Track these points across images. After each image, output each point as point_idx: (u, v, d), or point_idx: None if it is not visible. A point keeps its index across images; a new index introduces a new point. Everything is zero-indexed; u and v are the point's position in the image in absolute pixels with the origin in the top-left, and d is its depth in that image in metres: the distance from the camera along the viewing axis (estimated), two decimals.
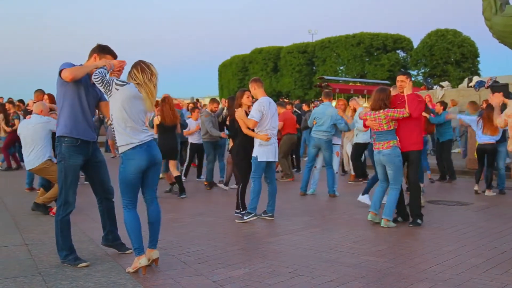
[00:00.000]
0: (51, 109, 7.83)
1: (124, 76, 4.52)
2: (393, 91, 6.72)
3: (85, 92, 4.57)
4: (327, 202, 8.28)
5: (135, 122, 4.28)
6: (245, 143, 6.84)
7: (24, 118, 9.17)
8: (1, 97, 18.43)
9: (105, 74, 4.30)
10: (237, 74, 45.49)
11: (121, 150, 4.30)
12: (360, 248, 5.21)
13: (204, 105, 17.59)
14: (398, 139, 6.27)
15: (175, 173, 8.64)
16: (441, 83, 19.08)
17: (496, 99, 5.67)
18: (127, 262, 4.57)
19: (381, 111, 6.28)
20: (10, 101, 14.39)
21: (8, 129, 12.18)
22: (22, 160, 10.99)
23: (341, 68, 38.94)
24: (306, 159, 9.42)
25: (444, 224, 6.40)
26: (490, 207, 7.68)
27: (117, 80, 4.30)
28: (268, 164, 6.71)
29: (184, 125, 9.25)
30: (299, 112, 13.99)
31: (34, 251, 5.02)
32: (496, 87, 6.70)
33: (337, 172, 8.92)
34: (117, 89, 4.23)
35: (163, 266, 4.50)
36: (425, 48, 34.73)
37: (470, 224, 6.40)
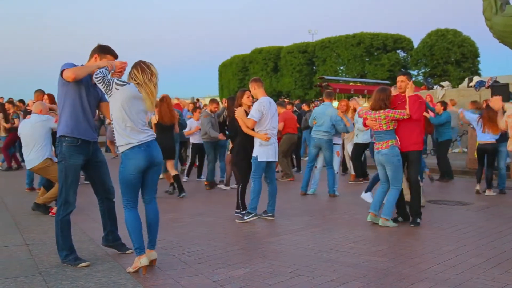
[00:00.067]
0: (51, 109, 7.85)
1: (124, 76, 4.54)
2: (394, 91, 6.72)
3: (86, 92, 4.58)
4: (328, 202, 8.28)
5: (134, 122, 4.28)
6: (245, 143, 6.84)
7: (24, 118, 9.19)
8: (1, 97, 18.44)
9: (106, 74, 4.31)
10: (237, 74, 45.42)
11: (120, 150, 4.32)
12: (360, 248, 5.22)
13: (205, 105, 17.57)
14: (398, 139, 6.27)
15: (173, 172, 8.64)
16: (441, 83, 19.02)
17: (497, 104, 5.69)
18: (127, 262, 4.57)
19: (381, 111, 6.28)
20: (10, 101, 14.39)
21: (8, 125, 12.19)
22: (22, 160, 11.01)
23: (341, 68, 38.88)
24: (306, 159, 9.41)
25: (444, 224, 6.40)
26: (490, 207, 7.68)
27: (117, 80, 4.31)
28: (268, 164, 6.71)
29: (183, 125, 9.25)
30: (299, 111, 13.99)
31: (34, 251, 5.02)
32: (496, 87, 6.72)
33: (337, 172, 8.92)
34: (117, 89, 4.24)
35: (164, 266, 4.50)
36: (425, 48, 34.69)
37: (470, 224, 6.40)
